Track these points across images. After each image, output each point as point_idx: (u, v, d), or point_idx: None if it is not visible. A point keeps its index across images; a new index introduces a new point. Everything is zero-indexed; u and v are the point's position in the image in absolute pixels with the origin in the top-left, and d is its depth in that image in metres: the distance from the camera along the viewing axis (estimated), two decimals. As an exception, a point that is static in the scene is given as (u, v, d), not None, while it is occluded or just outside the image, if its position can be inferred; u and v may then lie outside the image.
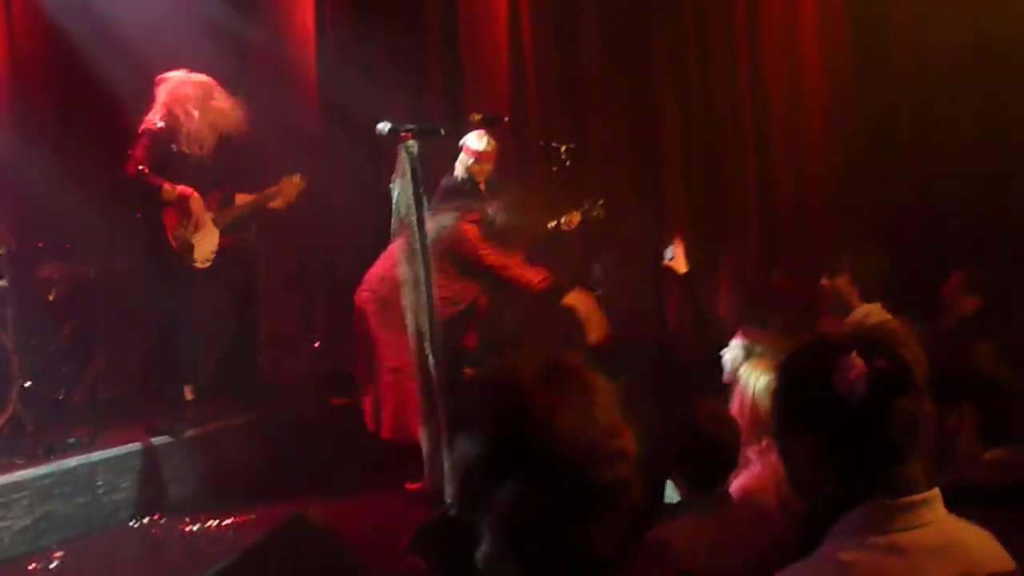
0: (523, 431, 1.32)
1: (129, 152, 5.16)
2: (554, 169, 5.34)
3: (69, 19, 5.91)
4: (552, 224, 5.67)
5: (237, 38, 6.18)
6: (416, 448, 3.97)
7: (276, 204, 5.50)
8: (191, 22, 5.84)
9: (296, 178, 5.51)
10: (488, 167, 5.71)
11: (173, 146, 5.21)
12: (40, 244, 5.63)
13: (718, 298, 5.42)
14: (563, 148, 5.39)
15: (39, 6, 5.99)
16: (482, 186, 5.78)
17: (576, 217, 5.72)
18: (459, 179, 5.74)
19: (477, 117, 5.41)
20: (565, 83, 6.72)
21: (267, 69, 6.41)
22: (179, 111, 5.20)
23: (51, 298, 5.66)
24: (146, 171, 5.13)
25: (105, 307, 5.75)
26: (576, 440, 1.31)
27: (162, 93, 5.27)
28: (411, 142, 3.80)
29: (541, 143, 5.51)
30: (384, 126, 3.83)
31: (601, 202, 5.76)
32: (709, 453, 2.63)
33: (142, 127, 5.23)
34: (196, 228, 5.24)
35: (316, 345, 6.46)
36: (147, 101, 5.29)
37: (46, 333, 5.60)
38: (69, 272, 5.71)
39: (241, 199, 5.50)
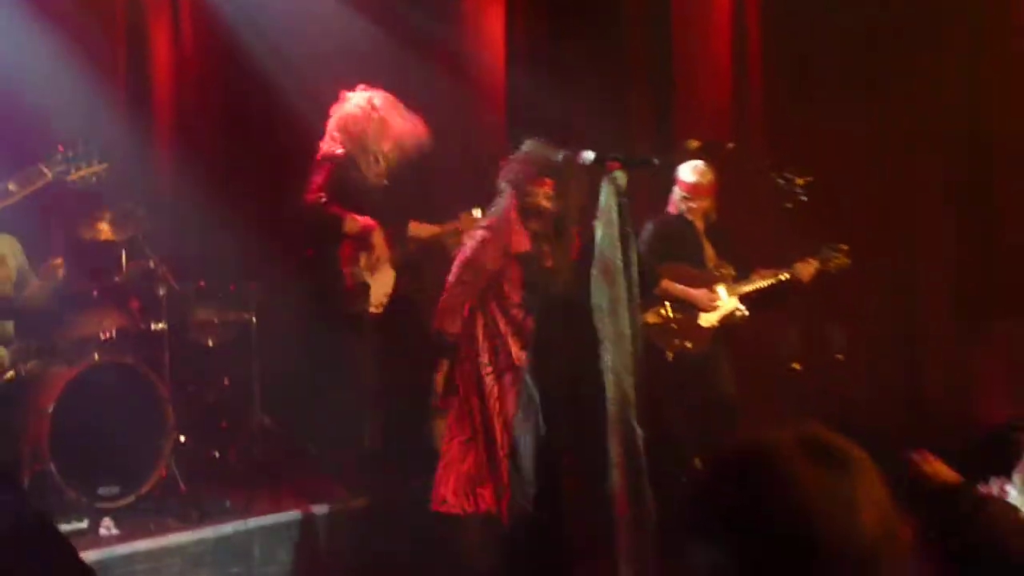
0: (799, 523, 1.30)
1: (310, 180, 5.39)
2: (787, 206, 5.30)
3: (237, 31, 6.37)
4: (784, 275, 5.64)
5: (422, 49, 6.47)
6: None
7: (455, 242, 5.60)
8: (372, 32, 6.16)
9: (478, 214, 5.61)
10: (706, 204, 5.76)
11: (353, 172, 5.41)
12: (201, 284, 6.02)
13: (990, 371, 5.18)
14: (799, 180, 5.34)
15: (205, 17, 6.50)
16: (699, 225, 5.83)
17: (812, 266, 5.68)
18: (672, 217, 5.81)
19: (694, 144, 5.51)
20: (799, 104, 6.72)
21: (452, 85, 6.64)
22: (358, 133, 5.37)
23: (210, 344, 6.04)
24: (326, 200, 5.34)
25: (266, 356, 6.04)
26: (857, 533, 1.30)
27: (339, 113, 5.46)
28: (618, 173, 3.87)
29: (771, 174, 5.49)
30: (588, 155, 3.93)
31: (845, 248, 5.69)
32: (1000, 567, 2.51)
33: (321, 152, 5.44)
34: (375, 266, 5.44)
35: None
36: (322, 122, 5.52)
37: (204, 382, 5.98)
38: (230, 316, 6.06)
39: (416, 228, 5.64)
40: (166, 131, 6.64)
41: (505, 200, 4.56)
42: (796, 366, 5.24)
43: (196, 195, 6.16)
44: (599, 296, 3.92)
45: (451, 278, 4.60)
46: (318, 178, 5.36)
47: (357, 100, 5.45)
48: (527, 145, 4.54)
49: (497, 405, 4.47)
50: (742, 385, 5.72)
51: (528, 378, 4.41)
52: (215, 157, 6.46)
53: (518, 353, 4.48)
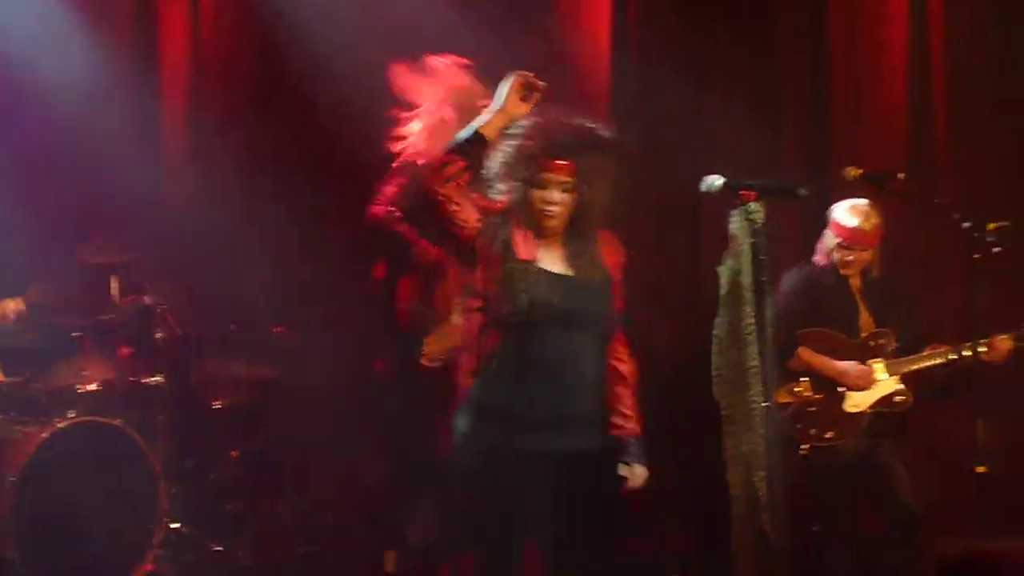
0: None
1: (379, 190, 5.26)
2: (976, 257, 5.13)
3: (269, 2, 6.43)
4: (965, 351, 5.51)
5: (511, 44, 6.35)
6: None
7: None
8: (442, 9, 6.12)
9: None
10: (865, 256, 5.65)
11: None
12: (213, 329, 6.08)
13: None
14: (990, 225, 5.18)
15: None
16: (854, 281, 5.72)
17: (1007, 343, 5.54)
18: (820, 269, 5.70)
19: (854, 173, 5.35)
20: (997, 123, 6.62)
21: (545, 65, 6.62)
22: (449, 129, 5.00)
23: (219, 405, 6.01)
24: (398, 216, 5.25)
25: (290, 422, 6.00)
26: None
27: (429, 100, 5.24)
28: (754, 205, 3.79)
29: (955, 216, 5.30)
30: (714, 181, 3.85)
31: (1053, 320, 5.56)
32: None
33: (401, 156, 5.28)
34: (442, 308, 5.33)
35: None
36: (385, 117, 5.36)
37: (208, 455, 5.97)
38: (247, 370, 6.08)
39: None
40: (175, 127, 6.65)
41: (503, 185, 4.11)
42: (981, 469, 5.05)
43: (211, 211, 6.18)
44: (723, 363, 3.84)
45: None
46: (390, 188, 5.28)
47: (452, 75, 5.25)
48: (535, 113, 4.11)
49: None
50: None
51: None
52: (239, 162, 6.40)
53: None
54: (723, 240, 3.82)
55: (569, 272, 4.01)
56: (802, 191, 3.98)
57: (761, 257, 3.75)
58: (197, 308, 6.19)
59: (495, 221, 3.99)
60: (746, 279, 3.77)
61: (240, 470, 6.00)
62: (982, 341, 5.50)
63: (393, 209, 5.25)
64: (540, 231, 4.01)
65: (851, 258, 5.64)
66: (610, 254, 4.12)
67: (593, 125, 4.04)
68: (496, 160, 4.01)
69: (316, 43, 6.27)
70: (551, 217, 3.98)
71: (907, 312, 5.79)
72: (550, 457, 3.93)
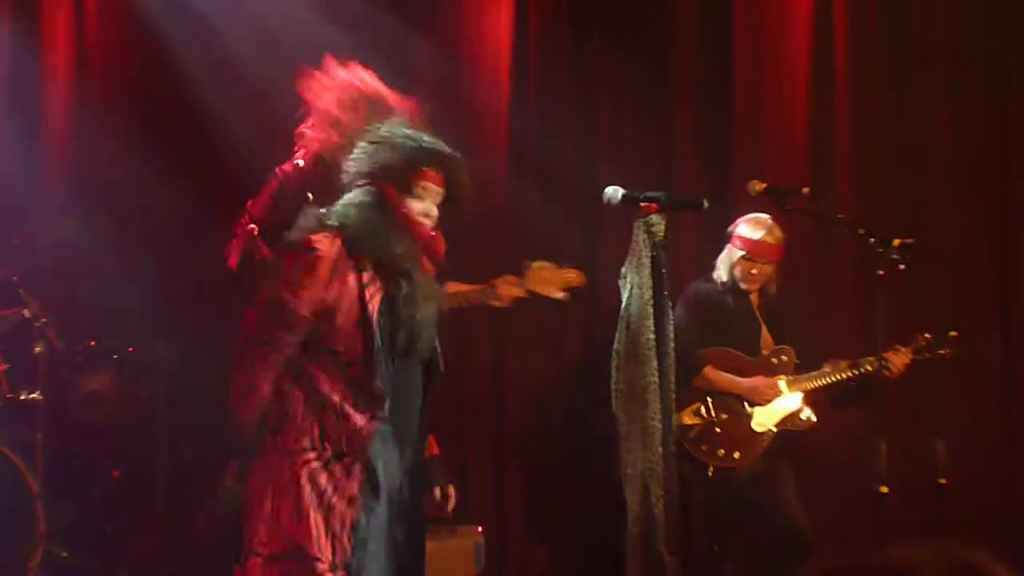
0: None
1: (248, 204, 5.07)
2: (879, 273, 5.29)
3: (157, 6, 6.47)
4: (866, 366, 5.64)
5: (401, 53, 6.47)
6: None
7: (501, 303, 5.49)
8: (336, 19, 6.21)
9: (555, 268, 5.49)
10: (767, 270, 5.80)
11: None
12: (91, 343, 6.05)
13: None
14: (897, 243, 5.34)
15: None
16: (753, 299, 5.89)
17: (905, 356, 5.69)
18: (719, 283, 5.86)
19: (758, 187, 5.44)
20: (898, 140, 6.77)
21: (438, 100, 6.65)
22: (352, 119, 4.81)
23: (99, 423, 6.03)
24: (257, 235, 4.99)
25: (175, 440, 6.01)
26: None
27: (320, 105, 4.99)
28: (655, 218, 3.86)
29: (860, 232, 5.39)
30: (614, 192, 3.93)
31: (954, 334, 5.74)
32: None
33: (283, 167, 5.07)
34: None
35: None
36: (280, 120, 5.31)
37: (89, 473, 5.98)
38: (130, 386, 6.09)
39: (453, 286, 5.39)
40: (54, 131, 6.64)
41: (361, 195, 3.95)
42: (883, 490, 5.20)
43: (94, 221, 6.17)
44: (620, 378, 3.94)
45: (242, 337, 3.98)
46: (260, 201, 5.01)
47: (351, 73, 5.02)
48: (390, 126, 4.03)
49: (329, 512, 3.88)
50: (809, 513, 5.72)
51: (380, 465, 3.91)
52: (121, 168, 6.45)
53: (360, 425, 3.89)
54: (623, 254, 3.91)
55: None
56: (704, 203, 4.02)
57: (662, 271, 3.83)
58: (77, 321, 6.18)
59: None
60: (647, 293, 3.86)
61: (122, 490, 6.01)
62: (883, 355, 5.50)
63: (253, 227, 4.94)
64: None
65: (755, 271, 5.76)
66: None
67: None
68: (365, 161, 3.94)
69: (207, 43, 6.34)
70: None
71: (806, 328, 5.95)
72: None
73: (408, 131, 3.97)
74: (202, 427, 5.92)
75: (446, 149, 3.97)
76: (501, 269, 5.57)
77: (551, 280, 5.46)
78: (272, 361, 3.84)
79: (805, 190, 5.57)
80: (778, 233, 5.78)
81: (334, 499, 3.79)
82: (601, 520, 5.37)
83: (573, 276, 5.51)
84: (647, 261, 3.88)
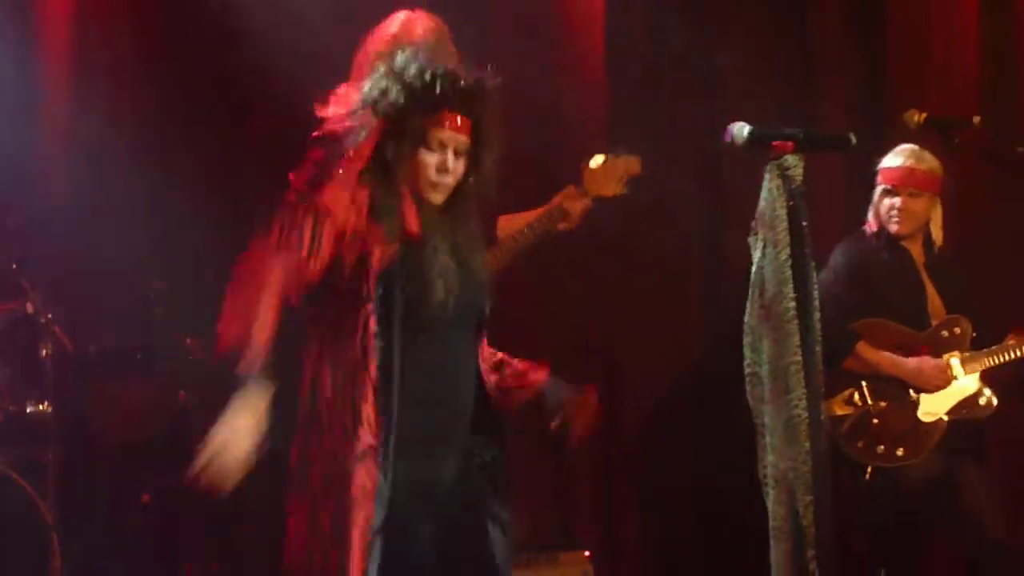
0: None
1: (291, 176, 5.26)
2: None
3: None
4: None
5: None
6: None
7: (569, 222, 5.54)
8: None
9: (611, 159, 5.54)
10: (916, 206, 5.72)
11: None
12: (112, 344, 6.05)
13: None
14: None
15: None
16: (916, 253, 5.81)
17: None
18: (871, 236, 5.80)
19: (918, 118, 5.37)
20: None
21: (518, 21, 6.70)
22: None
23: (121, 439, 5.99)
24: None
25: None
26: None
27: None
28: (791, 159, 3.77)
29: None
30: (740, 130, 3.83)
31: None
32: None
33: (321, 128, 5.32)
34: None
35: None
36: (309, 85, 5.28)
37: (111, 501, 5.97)
38: (156, 395, 6.08)
39: (510, 221, 5.54)
40: (56, 97, 6.57)
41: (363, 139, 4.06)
42: None
43: (104, 198, 6.14)
44: (756, 359, 3.83)
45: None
46: (306, 166, 5.16)
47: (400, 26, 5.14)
48: (407, 54, 4.04)
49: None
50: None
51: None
52: (133, 140, 6.35)
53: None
54: (753, 205, 3.78)
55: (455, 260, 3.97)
56: (852, 139, 3.94)
57: (802, 223, 3.72)
58: (92, 318, 6.18)
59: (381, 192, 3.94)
60: (783, 252, 3.74)
61: (152, 518, 5.99)
62: None
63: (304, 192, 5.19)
64: (423, 205, 3.96)
65: (899, 206, 5.69)
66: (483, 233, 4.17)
67: (477, 73, 3.99)
68: (371, 103, 3.99)
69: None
70: (443, 188, 3.96)
71: (986, 293, 5.91)
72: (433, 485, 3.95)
73: (422, 65, 3.95)
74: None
75: (470, 85, 3.95)
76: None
77: (610, 176, 5.52)
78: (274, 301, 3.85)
79: (976, 119, 5.50)
80: (930, 162, 5.71)
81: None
82: (736, 537, 5.29)
83: (630, 163, 5.54)
84: (783, 213, 3.77)
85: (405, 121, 3.91)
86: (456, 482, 3.96)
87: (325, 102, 5.18)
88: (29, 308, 5.66)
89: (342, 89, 5.21)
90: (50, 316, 5.70)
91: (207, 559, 6.06)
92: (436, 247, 3.90)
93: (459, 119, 3.91)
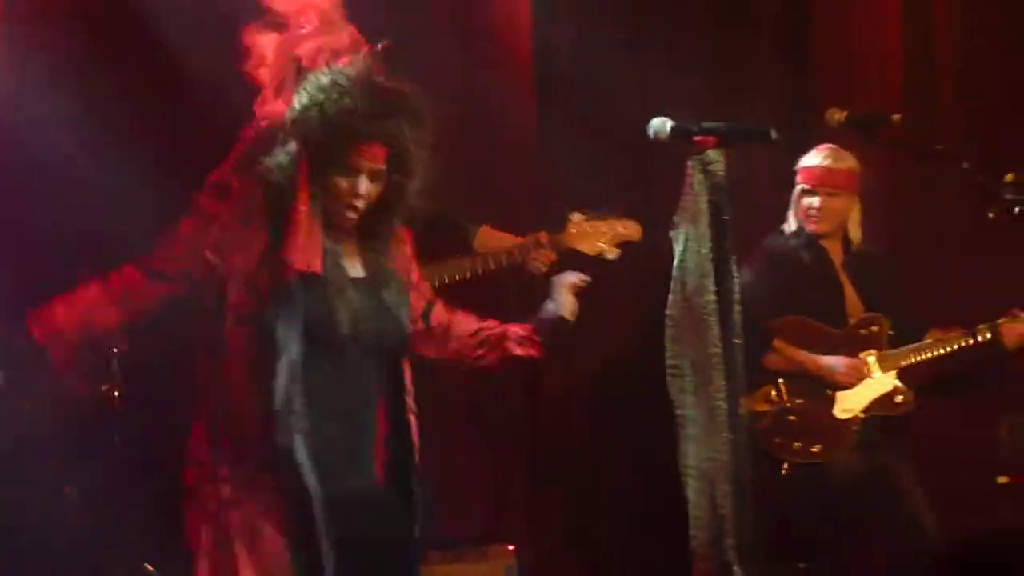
0: None
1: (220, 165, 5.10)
2: (990, 216, 5.19)
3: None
4: (981, 335, 5.66)
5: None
6: None
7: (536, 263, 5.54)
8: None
9: (602, 219, 5.54)
10: (835, 204, 5.79)
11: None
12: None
13: None
14: (1009, 177, 5.19)
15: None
16: (834, 251, 5.88)
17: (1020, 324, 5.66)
18: (789, 234, 5.88)
19: (837, 116, 5.36)
20: (1013, 54, 6.80)
21: (448, 21, 6.67)
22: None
23: (48, 431, 5.93)
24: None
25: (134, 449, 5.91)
26: None
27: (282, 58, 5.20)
28: (713, 154, 3.81)
29: (965, 167, 5.30)
30: (663, 124, 3.87)
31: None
32: None
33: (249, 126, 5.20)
34: None
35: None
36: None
37: (36, 494, 5.81)
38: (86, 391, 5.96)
39: (489, 238, 5.59)
40: None
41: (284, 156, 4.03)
42: (1002, 479, 5.15)
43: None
44: (677, 351, 3.85)
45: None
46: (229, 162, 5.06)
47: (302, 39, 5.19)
48: (331, 74, 4.04)
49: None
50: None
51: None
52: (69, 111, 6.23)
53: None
54: (675, 200, 3.81)
55: (366, 279, 4.03)
56: (773, 134, 3.96)
57: (724, 218, 3.76)
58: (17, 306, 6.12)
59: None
60: (704, 246, 3.78)
61: (76, 510, 5.89)
62: (997, 323, 5.66)
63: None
64: (335, 226, 3.99)
65: (816, 205, 5.77)
66: (404, 254, 4.18)
67: (405, 90, 4.01)
68: (294, 124, 3.99)
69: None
70: (355, 212, 3.97)
71: (903, 290, 5.94)
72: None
73: (342, 91, 3.95)
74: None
75: (388, 115, 3.93)
76: (529, 225, 5.55)
77: (598, 234, 5.49)
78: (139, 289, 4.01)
79: (896, 117, 5.44)
80: (848, 161, 5.81)
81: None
82: (659, 529, 5.37)
83: (628, 228, 5.53)
84: (704, 207, 3.80)
85: (319, 146, 3.92)
86: (361, 503, 3.97)
87: (261, 99, 5.23)
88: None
89: (270, 89, 5.25)
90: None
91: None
92: (338, 283, 3.94)
93: (373, 147, 3.91)
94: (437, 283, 5.30)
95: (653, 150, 3.98)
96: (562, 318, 4.41)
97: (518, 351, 4.38)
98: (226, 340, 3.89)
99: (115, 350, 5.81)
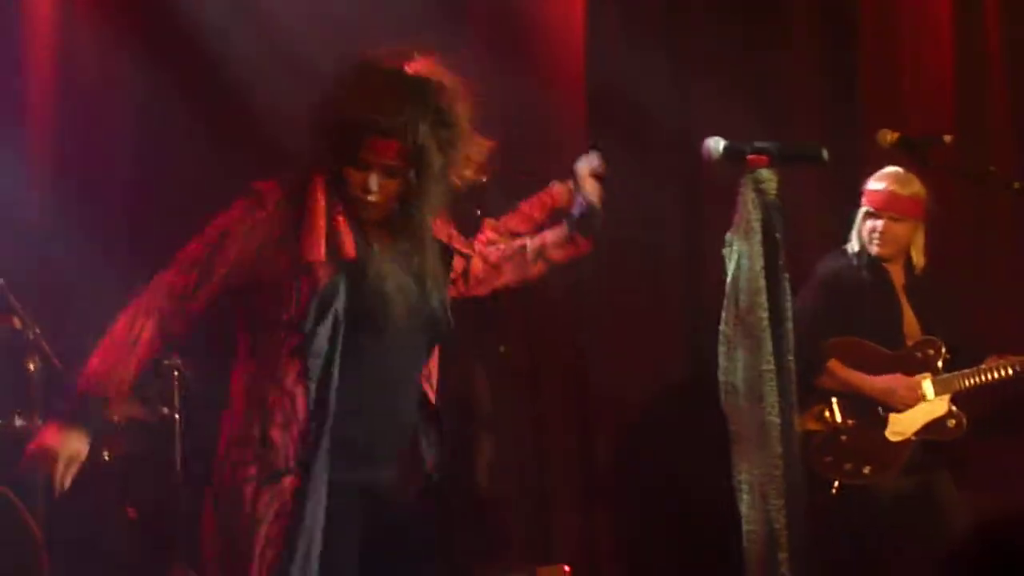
0: None
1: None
2: None
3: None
4: None
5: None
6: None
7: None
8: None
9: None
10: (899, 230, 5.74)
11: None
12: None
13: None
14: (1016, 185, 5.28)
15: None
16: (896, 274, 5.83)
17: None
18: (851, 256, 5.80)
19: (890, 137, 5.32)
20: None
21: (496, 35, 6.70)
22: None
23: (106, 457, 5.94)
24: None
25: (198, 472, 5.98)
26: None
27: None
28: (765, 172, 3.82)
29: (1016, 187, 5.32)
30: (716, 144, 3.88)
31: None
32: None
33: None
34: None
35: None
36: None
37: (98, 517, 5.92)
38: (142, 412, 6.00)
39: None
40: (40, 108, 6.48)
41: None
42: None
43: (87, 207, 6.16)
44: (730, 367, 3.84)
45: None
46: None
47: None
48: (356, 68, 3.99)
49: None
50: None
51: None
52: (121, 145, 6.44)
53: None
54: (728, 217, 3.82)
55: (403, 273, 3.96)
56: (824, 154, 3.94)
57: (776, 235, 3.76)
58: (78, 334, 6.14)
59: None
60: (757, 263, 3.78)
61: (139, 533, 5.99)
62: None
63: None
64: (362, 218, 3.93)
65: (881, 229, 5.72)
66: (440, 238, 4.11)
67: (431, 87, 3.92)
68: (313, 116, 3.97)
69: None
70: (371, 207, 3.91)
71: (962, 316, 5.93)
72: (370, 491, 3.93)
73: (356, 89, 3.90)
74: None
75: (402, 111, 3.83)
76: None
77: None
78: (166, 309, 3.87)
79: (947, 138, 5.44)
80: (914, 186, 5.74)
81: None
82: (713, 546, 5.30)
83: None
84: (757, 225, 3.80)
85: (329, 136, 3.88)
86: (393, 492, 3.97)
87: None
88: (16, 324, 5.64)
89: None
90: (37, 331, 5.67)
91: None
92: (379, 271, 3.89)
93: (386, 143, 3.83)
94: None
95: (704, 169, 4.00)
96: (592, 205, 4.35)
97: (559, 256, 4.36)
98: (264, 344, 3.87)
99: (176, 373, 5.96)
